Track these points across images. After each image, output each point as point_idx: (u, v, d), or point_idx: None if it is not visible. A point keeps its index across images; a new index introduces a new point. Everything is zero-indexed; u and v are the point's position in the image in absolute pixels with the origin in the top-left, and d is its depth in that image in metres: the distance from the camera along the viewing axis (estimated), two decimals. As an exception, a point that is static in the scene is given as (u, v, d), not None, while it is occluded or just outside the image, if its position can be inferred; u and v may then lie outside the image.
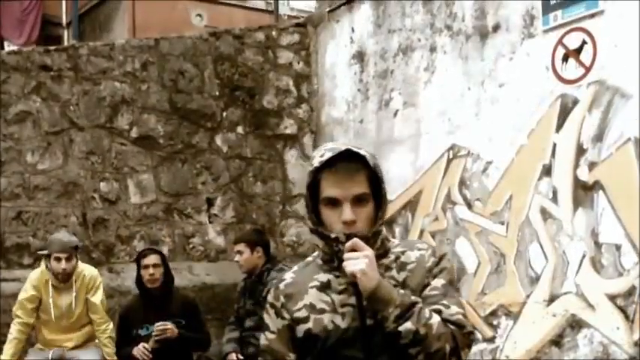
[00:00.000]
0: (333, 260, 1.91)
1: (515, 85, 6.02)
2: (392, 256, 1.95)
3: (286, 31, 8.01)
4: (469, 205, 6.29)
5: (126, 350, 5.07)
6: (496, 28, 6.21)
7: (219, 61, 7.57)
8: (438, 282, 1.90)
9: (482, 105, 6.27)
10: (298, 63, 7.98)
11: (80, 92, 6.87)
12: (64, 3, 11.78)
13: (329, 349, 1.87)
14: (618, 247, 5.26)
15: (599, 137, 5.44)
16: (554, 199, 5.68)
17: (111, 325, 5.36)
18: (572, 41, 5.63)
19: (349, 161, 1.87)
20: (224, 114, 7.52)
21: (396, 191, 6.90)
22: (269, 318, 2.02)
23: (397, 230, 6.89)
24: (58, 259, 5.06)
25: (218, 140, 7.45)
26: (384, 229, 1.96)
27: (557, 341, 5.53)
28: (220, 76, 7.56)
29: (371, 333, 1.84)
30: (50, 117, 6.72)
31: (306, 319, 1.91)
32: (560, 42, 5.70)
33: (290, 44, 7.98)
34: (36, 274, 5.22)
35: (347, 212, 1.85)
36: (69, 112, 6.80)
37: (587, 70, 5.53)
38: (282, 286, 2.01)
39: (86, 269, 5.33)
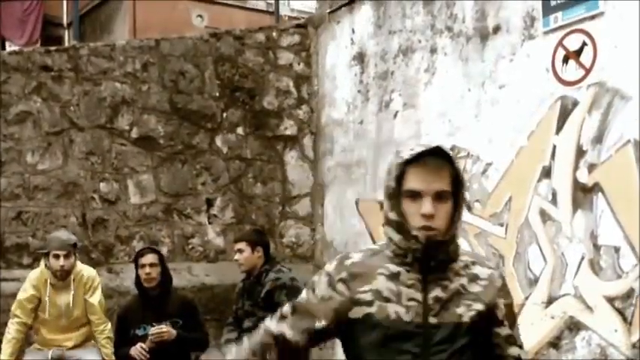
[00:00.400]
0: (406, 255, 1.94)
1: (516, 86, 6.01)
2: (461, 263, 2.00)
3: (287, 32, 8.02)
4: (468, 207, 6.28)
5: (123, 350, 5.08)
6: (496, 29, 6.21)
7: (219, 62, 7.58)
8: (515, 324, 2.02)
9: (482, 106, 6.27)
10: (298, 64, 7.99)
11: (81, 93, 6.88)
12: (64, 3, 11.80)
13: (388, 338, 1.91)
14: (617, 250, 5.25)
15: (598, 139, 5.44)
16: (554, 200, 5.67)
17: (109, 326, 5.36)
18: (573, 43, 5.62)
19: (435, 159, 1.92)
20: (224, 115, 7.53)
21: (395, 192, 6.90)
22: (319, 282, 2.03)
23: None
24: (57, 257, 5.07)
25: (218, 141, 7.46)
26: (456, 233, 2.00)
27: (555, 343, 5.53)
28: (221, 76, 7.57)
29: (432, 330, 1.91)
30: (50, 117, 6.73)
31: (369, 303, 1.93)
32: (560, 43, 5.70)
33: (290, 45, 7.99)
34: (35, 274, 5.22)
35: (427, 205, 1.89)
36: (69, 112, 6.82)
37: (587, 71, 5.52)
38: (348, 262, 2.02)
39: (84, 269, 5.34)
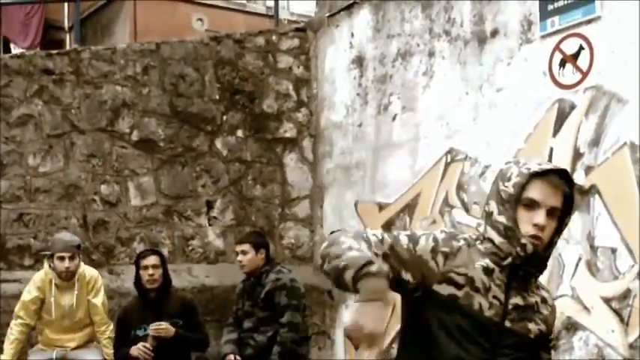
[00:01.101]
0: (504, 258, 2.03)
1: (513, 90, 6.06)
2: (536, 283, 2.16)
3: (286, 36, 8.07)
4: (467, 209, 6.33)
5: (123, 351, 5.11)
6: (494, 33, 6.26)
7: (219, 66, 7.63)
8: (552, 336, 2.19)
9: (480, 109, 6.31)
10: (298, 67, 8.04)
11: (82, 96, 6.92)
12: (65, 7, 11.84)
13: (466, 325, 2.00)
14: (614, 251, 5.30)
15: (595, 142, 5.48)
16: (551, 202, 5.71)
17: (111, 327, 5.41)
18: (570, 47, 5.67)
19: (557, 178, 2.06)
20: (224, 118, 7.57)
21: (394, 195, 6.96)
22: (425, 244, 2.05)
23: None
24: (62, 259, 5.12)
25: (218, 144, 7.50)
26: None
27: (552, 344, 5.57)
28: (221, 80, 7.62)
29: (504, 334, 2.03)
30: (52, 120, 6.77)
31: (459, 287, 2.01)
32: (557, 47, 5.75)
33: (290, 49, 8.04)
34: (40, 276, 5.26)
35: (541, 216, 2.01)
36: (70, 115, 6.86)
37: (584, 75, 5.57)
38: (455, 243, 2.07)
39: (87, 270, 5.38)
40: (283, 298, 5.10)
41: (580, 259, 5.49)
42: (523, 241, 2.00)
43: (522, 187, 2.03)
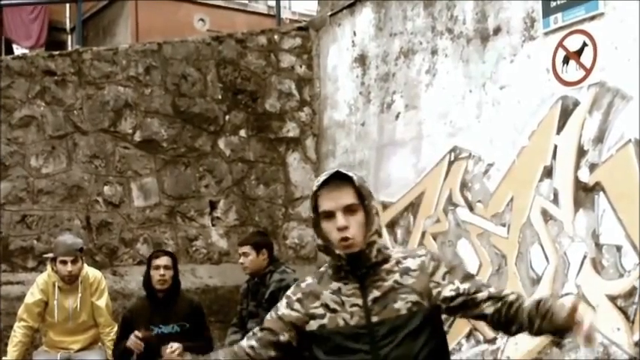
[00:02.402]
0: (339, 271, 2.24)
1: (516, 87, 6.04)
2: (392, 261, 2.26)
3: (288, 35, 8.05)
4: (470, 207, 6.31)
5: (120, 345, 5.07)
6: (497, 30, 6.24)
7: (221, 65, 7.62)
8: (467, 285, 2.23)
9: (483, 107, 6.29)
10: (300, 66, 8.02)
11: (84, 96, 6.92)
12: (67, 8, 11.85)
13: (341, 343, 2.19)
14: (619, 248, 5.28)
15: (599, 139, 5.46)
16: (555, 200, 5.70)
17: (115, 328, 5.39)
18: (573, 43, 5.65)
19: (338, 181, 2.22)
20: (227, 117, 7.56)
21: (397, 193, 6.94)
22: (281, 304, 2.34)
23: (399, 232, 6.92)
24: (64, 262, 5.10)
25: (221, 143, 7.49)
26: (378, 241, 2.24)
27: (557, 342, 5.54)
28: (223, 79, 7.60)
29: (375, 328, 2.18)
30: (54, 121, 6.77)
31: (322, 316, 2.23)
32: (560, 44, 5.73)
33: (292, 48, 8.02)
34: (43, 278, 5.25)
35: (340, 219, 2.18)
36: (73, 116, 6.85)
37: (588, 72, 5.55)
38: (303, 285, 2.34)
39: (91, 272, 5.37)
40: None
41: (585, 257, 5.47)
42: (337, 252, 2.21)
43: (315, 207, 2.23)
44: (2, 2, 10.49)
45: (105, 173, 6.92)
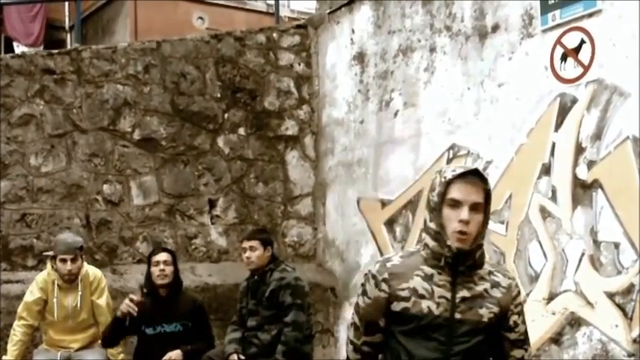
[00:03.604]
0: (440, 259, 2.31)
1: (515, 84, 6.05)
2: (486, 270, 2.38)
3: (287, 33, 8.05)
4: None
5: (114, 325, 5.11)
6: (495, 28, 6.25)
7: (220, 63, 7.62)
8: (523, 327, 2.40)
9: (481, 105, 6.30)
10: (299, 64, 8.03)
11: (83, 95, 6.92)
12: (66, 7, 11.85)
13: (420, 328, 2.30)
14: (617, 245, 5.29)
15: (597, 136, 5.48)
16: (554, 197, 5.71)
17: (115, 327, 5.42)
18: (571, 40, 5.66)
19: (473, 177, 2.32)
20: (226, 116, 7.57)
21: (396, 191, 6.95)
22: (369, 286, 2.41)
23: (398, 230, 6.94)
24: (64, 261, 5.11)
25: (220, 142, 7.50)
26: (484, 244, 2.37)
27: (556, 339, 5.56)
28: (222, 78, 7.61)
29: (457, 325, 2.30)
30: (53, 120, 6.77)
31: (407, 299, 2.32)
32: (558, 41, 5.74)
33: (291, 46, 8.03)
34: (42, 276, 5.25)
35: (464, 212, 2.27)
36: (72, 114, 6.86)
37: (586, 69, 5.56)
38: (389, 264, 2.39)
39: (91, 270, 5.37)
40: (288, 297, 5.09)
41: (583, 254, 5.48)
42: (448, 242, 2.28)
43: (444, 191, 2.30)
44: (2, 0, 10.50)
45: (104, 172, 6.93)
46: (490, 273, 2.37)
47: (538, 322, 5.66)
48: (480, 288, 2.33)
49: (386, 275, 2.36)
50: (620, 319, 5.21)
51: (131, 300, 4.95)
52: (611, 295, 5.28)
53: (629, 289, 5.17)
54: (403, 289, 2.33)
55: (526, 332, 2.42)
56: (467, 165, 2.34)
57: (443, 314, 2.29)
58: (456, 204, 2.28)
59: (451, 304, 2.30)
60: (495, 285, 2.36)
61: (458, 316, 2.29)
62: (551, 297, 5.64)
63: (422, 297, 2.30)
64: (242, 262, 5.43)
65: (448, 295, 2.30)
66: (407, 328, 2.32)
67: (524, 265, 5.86)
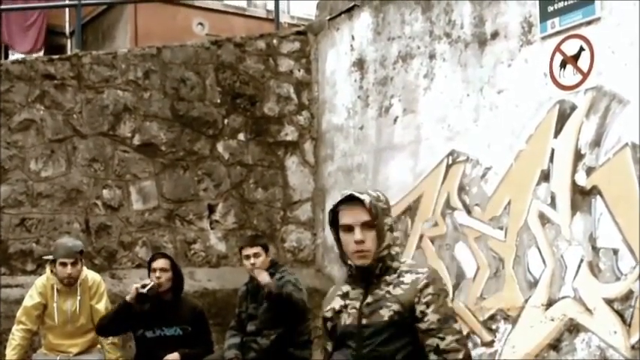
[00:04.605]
0: (350, 277, 2.60)
1: (514, 91, 6.07)
2: (395, 274, 2.53)
3: (287, 39, 8.08)
4: (468, 211, 6.33)
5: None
6: (494, 35, 6.27)
7: (220, 69, 7.64)
8: (434, 317, 2.44)
9: (481, 111, 6.32)
10: (299, 70, 8.05)
11: (83, 100, 6.94)
12: (67, 13, 11.88)
13: (340, 339, 2.55)
14: (616, 252, 5.29)
15: (596, 142, 5.49)
16: (553, 204, 5.72)
17: (114, 331, 5.42)
18: (570, 48, 5.68)
19: (355, 201, 2.52)
20: (225, 121, 7.58)
21: (395, 197, 6.94)
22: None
23: (397, 235, 6.93)
24: (64, 265, 5.11)
25: (219, 147, 7.51)
26: (391, 252, 2.53)
27: (555, 345, 5.56)
28: (222, 83, 7.63)
29: (363, 329, 2.48)
30: (53, 125, 6.79)
31: (331, 319, 2.60)
32: (557, 49, 5.76)
33: (291, 52, 8.05)
34: (42, 281, 5.25)
35: (357, 233, 2.48)
36: (72, 120, 6.87)
37: (585, 76, 5.58)
38: (328, 295, 2.72)
39: (90, 275, 5.38)
40: (289, 287, 5.11)
41: (582, 260, 5.49)
42: (349, 262, 2.53)
43: (335, 220, 2.54)
44: (1, 7, 10.51)
45: (104, 177, 6.94)
46: (399, 275, 2.51)
47: (537, 328, 5.67)
48: (382, 291, 2.49)
49: (325, 304, 2.67)
50: (618, 326, 5.21)
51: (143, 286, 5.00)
52: (609, 302, 5.29)
53: (627, 296, 5.18)
54: (328, 311, 2.62)
55: (440, 321, 2.42)
56: (348, 192, 2.56)
57: (353, 322, 2.51)
58: (348, 228, 2.50)
59: (359, 312, 2.51)
60: (398, 284, 2.49)
61: (364, 321, 2.48)
62: (550, 303, 5.64)
63: (339, 312, 2.57)
64: (242, 267, 5.43)
65: (358, 305, 2.52)
66: (335, 342, 2.58)
67: (523, 271, 5.86)
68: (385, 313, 2.45)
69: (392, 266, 2.53)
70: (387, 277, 2.52)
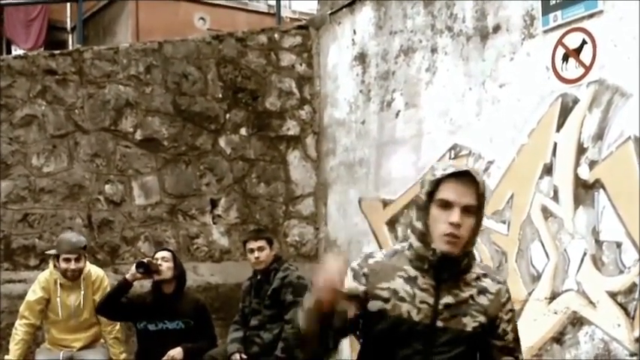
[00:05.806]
0: (423, 262, 2.16)
1: (516, 85, 6.06)
2: (474, 275, 2.22)
3: (288, 34, 8.07)
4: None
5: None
6: (496, 28, 6.25)
7: (222, 64, 7.64)
8: (512, 335, 2.22)
9: (483, 105, 6.31)
10: (300, 65, 8.04)
11: (85, 95, 6.94)
12: (68, 8, 11.87)
13: (398, 333, 2.13)
14: (619, 245, 5.29)
15: (599, 136, 5.48)
16: (555, 197, 5.71)
17: (117, 326, 5.43)
18: (572, 41, 5.67)
19: (466, 178, 2.14)
20: (227, 116, 7.58)
21: (398, 191, 6.96)
22: (347, 277, 2.18)
23: (400, 230, 6.94)
24: (68, 260, 5.12)
25: (221, 142, 7.51)
26: (473, 251, 2.22)
27: (558, 338, 5.57)
28: (223, 78, 7.62)
29: (437, 333, 2.14)
30: (55, 120, 6.79)
31: (386, 300, 2.15)
32: (560, 42, 5.74)
33: (292, 46, 8.04)
34: (45, 276, 5.26)
35: (456, 215, 2.10)
36: (74, 115, 6.87)
37: (587, 69, 5.57)
38: (371, 261, 2.24)
39: (93, 270, 5.39)
40: (289, 295, 5.11)
41: (585, 253, 5.48)
42: (433, 245, 2.12)
43: (433, 190, 2.13)
44: (2, 2, 10.50)
45: (106, 172, 6.94)
46: (478, 278, 2.21)
47: (540, 321, 5.67)
48: (465, 294, 2.17)
49: (366, 270, 2.21)
50: (622, 319, 5.21)
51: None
52: (613, 295, 5.28)
53: (631, 289, 5.17)
54: (383, 289, 2.16)
55: (516, 340, 2.25)
56: (463, 164, 2.09)
57: (423, 321, 2.13)
58: (446, 205, 2.11)
59: (433, 311, 2.13)
60: (483, 291, 2.20)
61: (440, 324, 2.13)
62: (553, 296, 5.64)
63: (402, 300, 2.14)
64: (246, 261, 5.45)
65: (431, 300, 2.14)
66: (383, 333, 2.16)
67: (526, 264, 5.86)
68: (469, 323, 2.15)
69: (472, 264, 2.22)
70: (466, 277, 2.19)
